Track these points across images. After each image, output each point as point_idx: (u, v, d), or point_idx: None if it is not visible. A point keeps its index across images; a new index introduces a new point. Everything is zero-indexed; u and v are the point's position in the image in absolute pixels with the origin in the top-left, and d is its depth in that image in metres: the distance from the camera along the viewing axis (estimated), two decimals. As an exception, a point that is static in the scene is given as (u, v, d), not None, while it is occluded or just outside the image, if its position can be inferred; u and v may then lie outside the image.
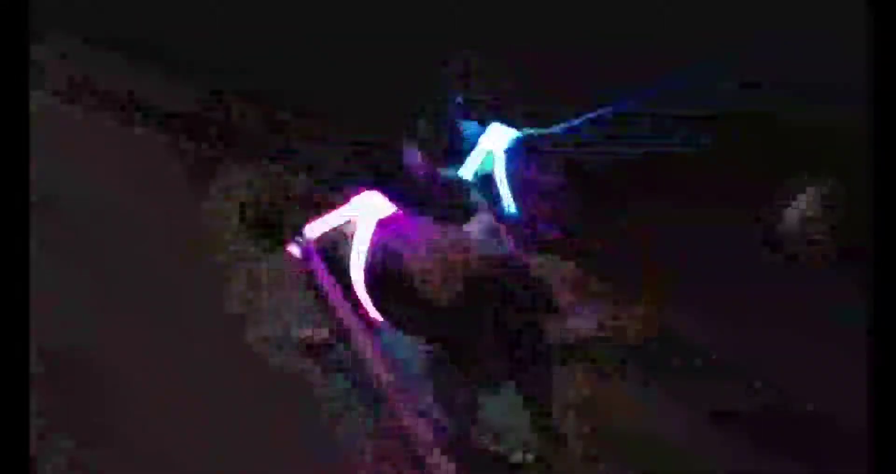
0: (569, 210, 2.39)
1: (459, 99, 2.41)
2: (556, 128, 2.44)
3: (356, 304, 2.03)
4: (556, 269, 2.13)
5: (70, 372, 2.03)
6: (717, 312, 2.16)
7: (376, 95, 2.74)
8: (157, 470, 1.90)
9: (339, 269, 2.07)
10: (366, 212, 2.09)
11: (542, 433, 1.92)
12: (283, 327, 2.18)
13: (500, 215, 2.28)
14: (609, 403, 2.03)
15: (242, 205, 2.45)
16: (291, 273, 2.15)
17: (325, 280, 2.04)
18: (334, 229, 2.12)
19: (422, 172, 2.31)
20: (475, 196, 2.32)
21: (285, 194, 2.50)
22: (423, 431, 1.73)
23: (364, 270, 2.03)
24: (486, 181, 2.39)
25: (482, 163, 2.41)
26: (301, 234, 2.15)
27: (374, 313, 2.03)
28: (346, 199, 2.16)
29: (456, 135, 2.46)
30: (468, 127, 2.49)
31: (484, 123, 2.47)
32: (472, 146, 2.44)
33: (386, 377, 1.84)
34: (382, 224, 2.07)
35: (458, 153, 2.45)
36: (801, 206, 2.22)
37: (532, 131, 2.43)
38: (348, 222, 2.10)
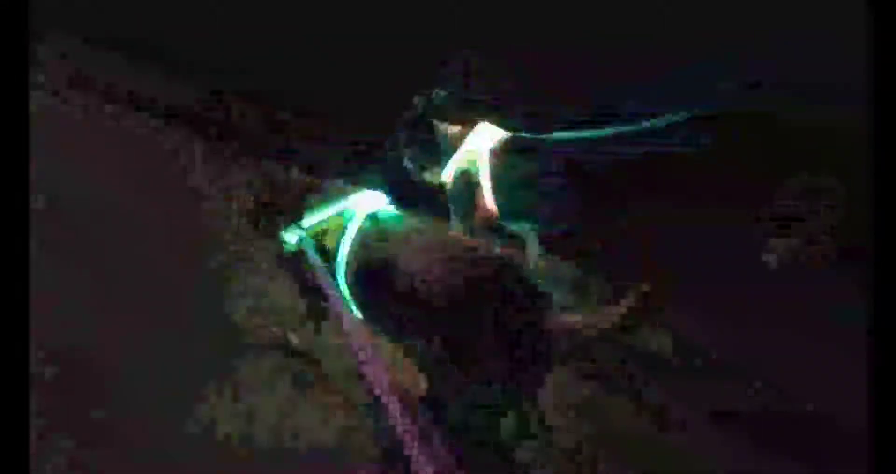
0: (569, 210, 2.39)
1: (440, 92, 2.38)
2: (560, 134, 2.43)
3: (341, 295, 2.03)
4: (554, 269, 2.13)
5: (70, 372, 2.03)
6: (717, 312, 2.16)
7: (376, 95, 2.74)
8: (157, 470, 1.91)
9: (328, 261, 2.09)
10: (360, 208, 2.10)
11: (541, 432, 1.92)
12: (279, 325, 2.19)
13: (482, 216, 2.26)
14: (609, 403, 2.03)
15: (243, 204, 2.45)
16: (286, 265, 2.17)
17: (318, 271, 2.05)
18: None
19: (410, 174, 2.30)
20: (457, 197, 2.29)
21: (285, 193, 2.51)
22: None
23: (350, 268, 2.04)
24: (469, 180, 2.35)
25: (467, 163, 2.37)
26: (298, 225, 2.16)
27: (353, 309, 2.04)
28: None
29: (438, 136, 2.43)
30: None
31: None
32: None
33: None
34: (374, 219, 2.08)
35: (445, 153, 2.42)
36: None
37: (528, 135, 2.40)
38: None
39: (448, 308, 1.96)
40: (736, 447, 1.95)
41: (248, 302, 2.26)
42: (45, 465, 1.84)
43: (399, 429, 1.57)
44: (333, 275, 2.06)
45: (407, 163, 2.32)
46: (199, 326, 2.19)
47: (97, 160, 2.62)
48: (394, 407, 1.62)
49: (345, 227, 2.14)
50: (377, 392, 1.69)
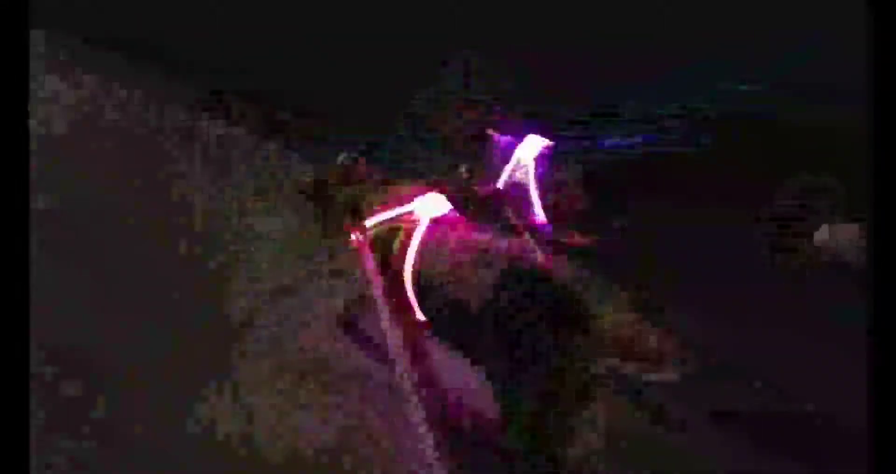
0: (574, 210, 2.39)
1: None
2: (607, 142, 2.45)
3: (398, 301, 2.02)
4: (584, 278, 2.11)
5: (70, 372, 2.03)
6: (717, 312, 2.16)
7: (376, 95, 2.74)
8: (157, 470, 1.91)
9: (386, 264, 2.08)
10: (424, 211, 2.08)
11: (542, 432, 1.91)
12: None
13: (529, 224, 2.28)
14: (609, 403, 2.03)
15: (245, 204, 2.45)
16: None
17: (373, 273, 2.03)
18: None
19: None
20: (507, 205, 2.32)
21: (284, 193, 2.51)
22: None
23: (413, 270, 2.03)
24: (518, 190, 2.38)
25: (517, 172, 2.39)
26: (363, 225, 2.14)
27: (419, 313, 2.02)
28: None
29: (494, 148, 2.45)
30: (503, 139, 2.47)
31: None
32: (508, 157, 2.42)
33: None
34: (436, 223, 2.06)
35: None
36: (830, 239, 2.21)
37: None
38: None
39: (479, 313, 1.95)
40: (736, 447, 1.95)
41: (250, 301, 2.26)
42: (44, 465, 1.84)
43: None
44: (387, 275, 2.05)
45: (464, 172, 2.36)
46: (199, 326, 2.19)
47: (97, 160, 2.62)
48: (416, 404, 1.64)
49: (401, 229, 2.12)
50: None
